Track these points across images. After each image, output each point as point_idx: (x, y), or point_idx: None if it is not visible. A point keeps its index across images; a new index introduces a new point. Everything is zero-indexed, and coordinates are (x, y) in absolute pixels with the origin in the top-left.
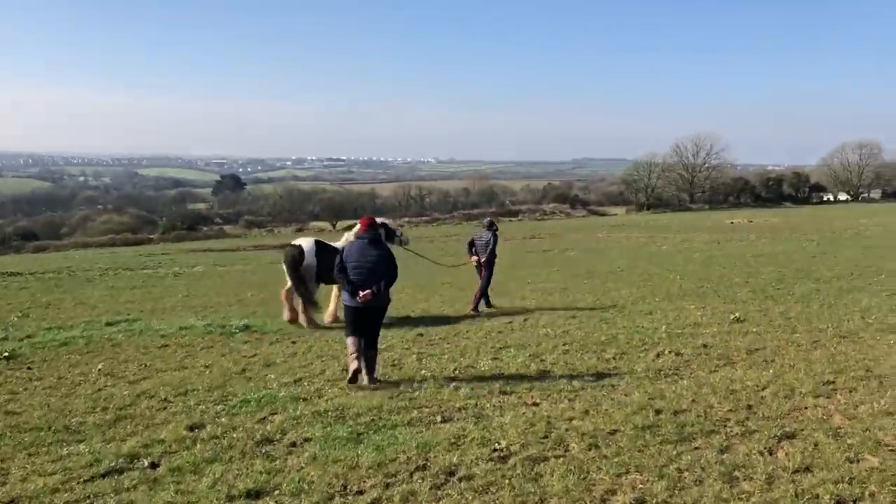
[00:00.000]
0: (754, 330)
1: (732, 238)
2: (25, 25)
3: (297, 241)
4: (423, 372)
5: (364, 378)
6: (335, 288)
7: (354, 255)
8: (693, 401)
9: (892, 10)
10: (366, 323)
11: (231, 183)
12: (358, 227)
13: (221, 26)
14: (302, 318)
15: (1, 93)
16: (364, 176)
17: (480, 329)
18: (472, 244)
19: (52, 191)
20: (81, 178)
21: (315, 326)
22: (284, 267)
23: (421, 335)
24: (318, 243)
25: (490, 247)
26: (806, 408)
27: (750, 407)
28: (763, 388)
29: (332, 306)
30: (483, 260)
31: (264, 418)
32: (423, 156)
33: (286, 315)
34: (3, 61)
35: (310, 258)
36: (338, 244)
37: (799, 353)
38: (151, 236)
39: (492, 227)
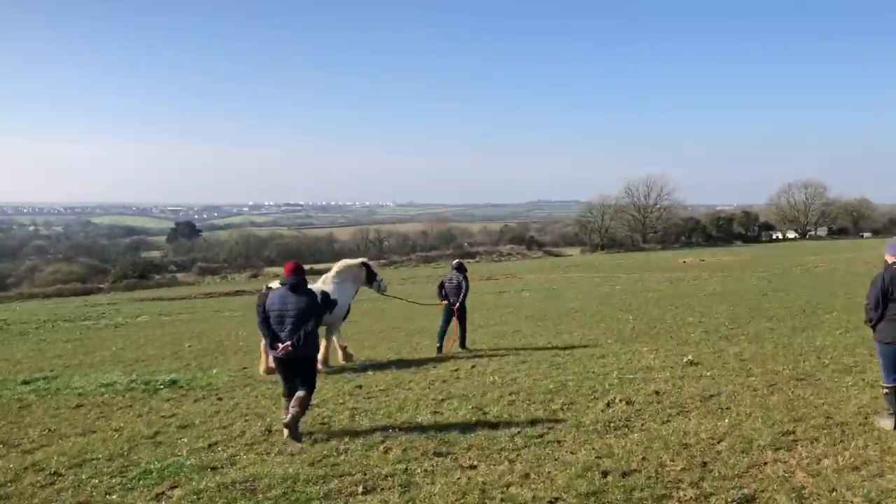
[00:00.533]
0: (708, 374)
1: (685, 277)
2: None
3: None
4: (353, 431)
5: (285, 433)
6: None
7: (276, 303)
8: (643, 458)
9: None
10: (297, 375)
11: (186, 230)
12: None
13: (178, 67)
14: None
15: None
16: (322, 220)
17: (424, 378)
18: (441, 286)
19: (0, 241)
20: (32, 228)
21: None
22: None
23: (359, 387)
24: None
25: (462, 291)
26: (765, 463)
27: (705, 464)
28: (719, 441)
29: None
30: (456, 306)
31: (161, 494)
32: (381, 199)
33: (262, 367)
34: None
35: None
36: (314, 286)
37: (755, 398)
38: (101, 286)
39: (461, 269)
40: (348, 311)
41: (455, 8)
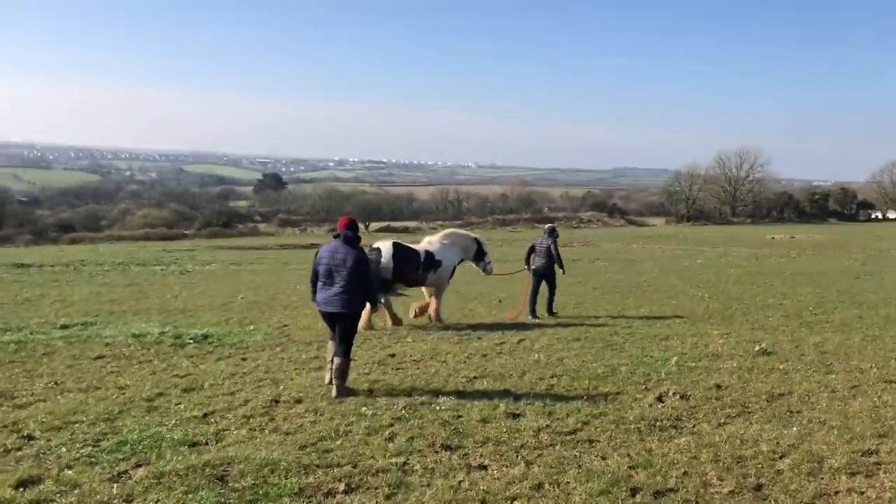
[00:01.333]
0: (781, 367)
1: (772, 254)
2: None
3: (376, 244)
4: (363, 409)
5: (333, 390)
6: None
7: (325, 256)
8: (685, 473)
9: None
10: (336, 328)
11: (272, 182)
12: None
13: (266, 25)
14: (386, 320)
15: (49, 87)
16: (404, 179)
17: (464, 351)
18: (532, 249)
19: (98, 184)
20: (128, 173)
21: (399, 324)
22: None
23: (392, 356)
24: (397, 245)
25: (553, 255)
26: (837, 493)
27: (759, 488)
28: (781, 457)
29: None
30: (543, 265)
31: (123, 473)
32: (464, 160)
33: (373, 322)
34: (53, 56)
35: (387, 260)
36: (418, 247)
37: (833, 402)
38: (187, 232)
39: (552, 233)
40: (452, 274)
41: None
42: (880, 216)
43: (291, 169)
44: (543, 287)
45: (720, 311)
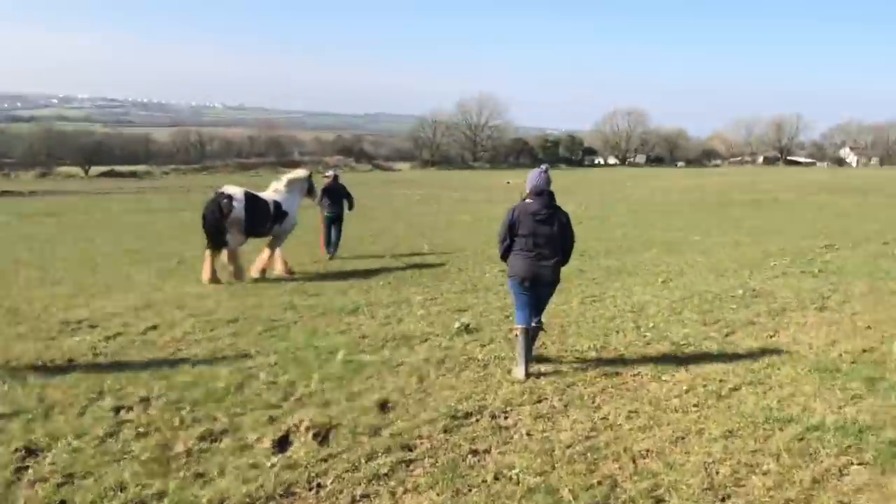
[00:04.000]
0: (480, 356)
1: (506, 199)
2: None
3: (226, 189)
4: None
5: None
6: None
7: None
8: None
9: None
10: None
11: None
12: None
13: None
14: (230, 265)
15: None
16: (143, 119)
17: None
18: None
19: None
20: None
21: (241, 276)
22: (204, 213)
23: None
24: (248, 194)
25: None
26: None
27: None
28: None
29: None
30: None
31: None
32: (209, 100)
33: (206, 275)
34: None
35: (238, 210)
36: (263, 194)
37: (537, 424)
38: None
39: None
40: (294, 224)
41: None
42: (602, 161)
43: (6, 105)
44: None
45: (434, 269)
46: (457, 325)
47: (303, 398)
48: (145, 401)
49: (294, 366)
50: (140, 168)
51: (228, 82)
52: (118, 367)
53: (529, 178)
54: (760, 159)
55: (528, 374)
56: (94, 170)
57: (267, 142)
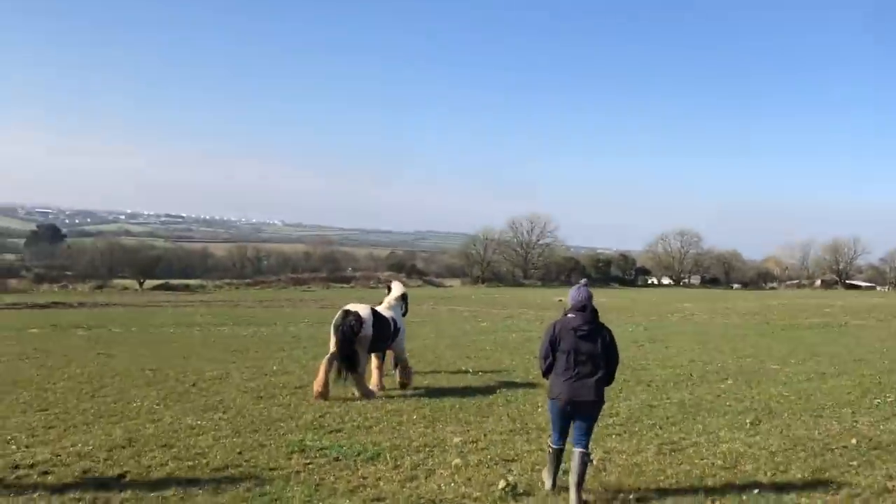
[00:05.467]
0: None
1: (557, 317)
2: None
3: (352, 308)
4: None
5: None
6: (374, 358)
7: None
8: None
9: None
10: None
11: (48, 233)
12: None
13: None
14: (358, 389)
15: None
16: (204, 235)
17: None
18: None
19: None
20: None
21: (371, 395)
22: (336, 333)
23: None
24: (374, 312)
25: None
26: None
27: None
28: None
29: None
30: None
31: None
32: (269, 217)
33: (318, 387)
34: None
35: (367, 328)
36: (386, 313)
37: None
38: None
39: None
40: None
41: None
42: (655, 282)
43: (77, 221)
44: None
45: (478, 399)
46: (502, 484)
47: None
48: None
49: None
50: (194, 282)
51: (286, 201)
52: None
53: (570, 294)
54: (818, 282)
55: (554, 486)
56: (149, 283)
57: (322, 257)
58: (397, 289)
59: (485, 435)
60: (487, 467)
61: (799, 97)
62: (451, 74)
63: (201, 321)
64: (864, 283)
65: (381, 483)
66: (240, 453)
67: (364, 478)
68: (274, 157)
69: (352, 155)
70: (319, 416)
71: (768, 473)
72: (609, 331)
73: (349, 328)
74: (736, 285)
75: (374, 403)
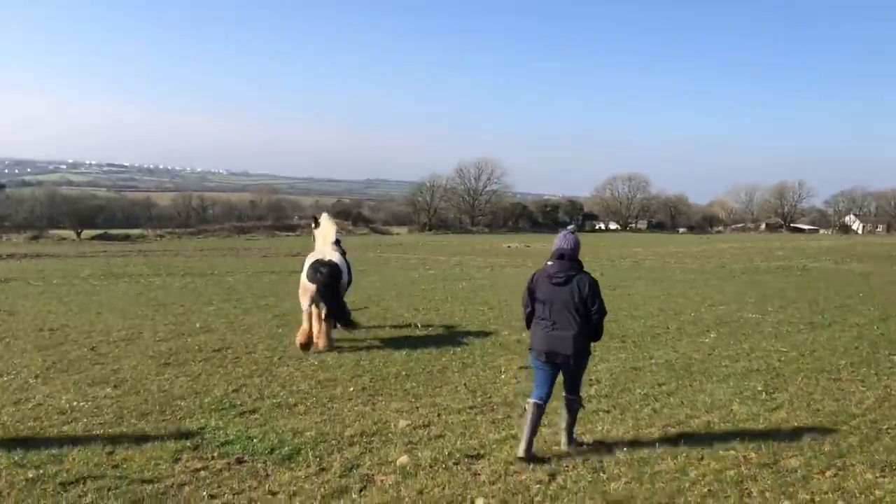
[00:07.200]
0: None
1: (507, 264)
2: None
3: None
4: None
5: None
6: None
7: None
8: None
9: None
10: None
11: None
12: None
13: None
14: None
15: None
16: (147, 184)
17: None
18: None
19: None
20: None
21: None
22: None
23: None
24: (345, 258)
25: None
26: None
27: None
28: None
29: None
30: None
31: None
32: (214, 167)
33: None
34: None
35: (345, 275)
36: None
37: None
38: None
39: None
40: None
41: None
42: (603, 227)
43: (16, 171)
44: None
45: (429, 363)
46: (469, 496)
47: None
48: None
49: None
50: (135, 231)
51: (232, 150)
52: None
53: (555, 240)
54: (763, 226)
55: (528, 454)
56: (87, 233)
57: (268, 206)
58: (327, 225)
59: (438, 415)
60: (445, 468)
61: (744, 41)
62: (409, 26)
63: (133, 272)
64: (807, 227)
65: (297, 501)
66: (110, 454)
67: (273, 493)
68: (223, 108)
69: (299, 103)
70: (233, 391)
71: (827, 474)
72: (590, 279)
73: (329, 278)
74: (682, 229)
75: (304, 372)
